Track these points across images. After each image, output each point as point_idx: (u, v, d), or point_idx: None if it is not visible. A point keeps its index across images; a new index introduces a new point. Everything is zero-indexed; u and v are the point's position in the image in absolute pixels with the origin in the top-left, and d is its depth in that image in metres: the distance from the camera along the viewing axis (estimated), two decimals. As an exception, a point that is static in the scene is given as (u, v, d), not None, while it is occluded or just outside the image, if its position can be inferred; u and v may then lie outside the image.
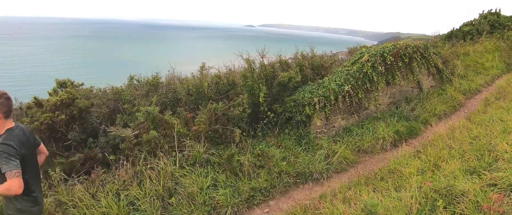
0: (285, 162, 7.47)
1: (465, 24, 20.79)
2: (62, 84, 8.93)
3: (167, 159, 6.90)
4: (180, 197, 6.21)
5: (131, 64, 57.98)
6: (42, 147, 4.27)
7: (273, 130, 8.71)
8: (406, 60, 10.76)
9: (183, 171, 6.80)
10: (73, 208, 5.84)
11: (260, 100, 8.51)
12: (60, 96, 7.73)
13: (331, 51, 14.08)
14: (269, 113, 8.59)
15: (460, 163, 5.92)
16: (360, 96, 9.57)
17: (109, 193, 6.08)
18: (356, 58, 10.39)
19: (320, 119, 8.91)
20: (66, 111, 7.67)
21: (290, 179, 7.24)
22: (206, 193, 6.35)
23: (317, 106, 8.64)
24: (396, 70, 10.58)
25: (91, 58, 78.16)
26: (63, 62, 69.69)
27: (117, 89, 8.88)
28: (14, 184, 3.41)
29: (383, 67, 10.09)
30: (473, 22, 20.56)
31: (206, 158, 7.23)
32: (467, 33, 19.51)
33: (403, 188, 5.48)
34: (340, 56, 13.94)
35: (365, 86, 9.81)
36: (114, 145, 7.30)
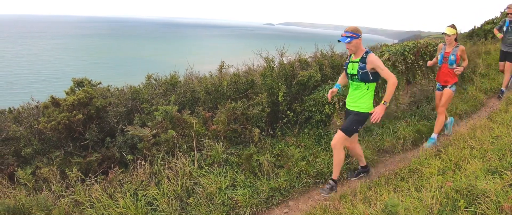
0: (304, 162, 7.45)
1: (487, 23, 20.49)
2: (79, 83, 9.01)
3: (186, 158, 6.91)
4: (198, 197, 6.22)
5: (148, 63, 58.41)
6: None
7: (293, 129, 8.69)
8: (427, 59, 10.64)
9: (202, 171, 6.82)
10: (91, 208, 5.88)
11: (280, 99, 8.49)
12: (77, 95, 7.77)
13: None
14: (288, 112, 8.57)
15: (482, 163, 5.85)
16: (380, 95, 9.49)
17: (127, 193, 6.11)
18: (376, 57, 10.33)
19: (340, 118, 8.87)
20: (83, 110, 7.71)
21: (310, 179, 7.21)
22: (224, 193, 6.35)
23: (337, 105, 8.60)
24: (417, 69, 10.48)
25: (108, 57, 78.90)
26: (80, 61, 70.49)
27: (134, 89, 8.92)
28: None
29: (403, 66, 9.99)
30: (495, 21, 20.26)
31: (224, 157, 7.23)
32: (489, 31, 19.24)
33: (423, 188, 5.43)
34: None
35: (385, 86, 9.74)
36: (132, 145, 7.34)
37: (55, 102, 7.77)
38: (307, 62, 10.08)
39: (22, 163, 7.29)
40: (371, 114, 6.24)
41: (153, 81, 9.68)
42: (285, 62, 9.55)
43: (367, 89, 6.28)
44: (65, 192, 6.20)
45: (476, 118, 10.28)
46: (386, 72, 5.92)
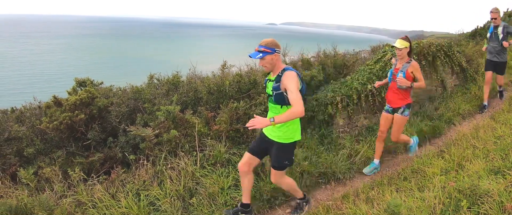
0: (307, 162, 7.43)
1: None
2: (81, 83, 9.02)
3: (188, 158, 6.91)
4: (201, 197, 6.22)
5: (150, 63, 58.40)
6: None
7: (295, 129, 8.69)
8: (429, 59, 10.63)
9: (204, 171, 6.81)
10: (93, 208, 5.88)
11: (282, 99, 8.49)
12: (79, 95, 7.79)
13: (353, 50, 14.00)
14: (291, 112, 8.56)
15: (484, 163, 5.84)
16: (383, 95, 9.47)
17: (129, 193, 6.11)
18: (379, 57, 10.30)
19: (343, 118, 8.87)
20: (85, 110, 7.72)
21: (313, 179, 7.22)
22: (227, 193, 6.35)
23: (339, 105, 8.59)
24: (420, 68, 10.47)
25: (110, 56, 78.94)
26: (82, 61, 70.56)
27: (137, 88, 8.92)
28: None
29: (406, 66, 9.98)
30: (497, 21, 20.22)
31: (227, 157, 7.23)
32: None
33: (426, 188, 5.43)
34: (362, 55, 13.84)
35: (389, 85, 9.73)
36: (134, 145, 7.34)
37: (57, 102, 7.78)
38: (309, 62, 10.10)
39: (24, 163, 7.30)
40: (296, 143, 5.48)
41: (155, 81, 9.68)
42: (288, 62, 9.56)
43: None
44: (67, 192, 6.21)
45: (479, 118, 10.26)
46: (294, 97, 4.80)
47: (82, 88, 8.65)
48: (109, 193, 6.13)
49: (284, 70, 5.09)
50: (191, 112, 7.82)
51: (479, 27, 20.34)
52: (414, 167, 6.96)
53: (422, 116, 10.20)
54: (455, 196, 4.55)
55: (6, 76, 53.43)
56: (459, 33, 21.29)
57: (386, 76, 9.54)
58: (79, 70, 51.06)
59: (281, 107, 5.17)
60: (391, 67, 9.63)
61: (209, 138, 7.54)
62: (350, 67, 10.61)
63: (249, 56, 5.14)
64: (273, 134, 5.36)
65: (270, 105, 5.36)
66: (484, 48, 11.33)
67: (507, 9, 21.20)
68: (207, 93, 8.70)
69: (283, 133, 5.27)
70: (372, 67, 9.88)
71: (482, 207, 4.24)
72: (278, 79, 5.08)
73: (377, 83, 8.05)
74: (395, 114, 7.38)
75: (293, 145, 5.41)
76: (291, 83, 4.90)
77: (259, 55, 5.01)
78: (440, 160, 6.84)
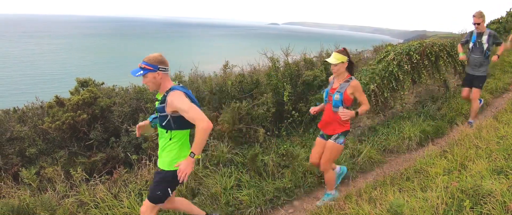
0: (309, 162, 7.43)
1: (492, 22, 20.37)
2: (83, 83, 9.04)
3: (191, 158, 6.91)
4: (203, 197, 6.22)
5: (152, 63, 58.44)
6: None
7: (298, 129, 8.69)
8: (432, 58, 10.60)
9: (207, 171, 6.81)
10: (95, 208, 5.88)
11: (285, 99, 8.49)
12: (81, 95, 7.81)
13: (356, 50, 14.00)
14: (293, 112, 8.56)
15: (487, 163, 5.82)
16: (385, 95, 9.47)
17: (132, 193, 6.11)
18: (382, 57, 10.28)
19: (345, 118, 8.86)
20: (88, 110, 7.74)
21: (315, 179, 7.20)
22: (229, 193, 6.34)
23: (342, 105, 8.58)
24: (423, 68, 10.43)
25: (112, 56, 79.02)
26: (84, 60, 70.60)
27: (139, 88, 8.93)
28: None
29: (409, 65, 9.95)
30: (500, 20, 20.15)
31: (229, 157, 7.23)
32: (495, 31, 19.16)
33: (429, 188, 5.40)
34: (365, 55, 13.84)
35: (391, 85, 9.70)
36: (137, 145, 7.35)
37: (59, 102, 7.80)
38: (312, 62, 10.08)
39: (27, 163, 7.31)
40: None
41: (158, 81, 9.68)
42: (290, 62, 9.55)
43: (170, 139, 4.61)
44: (70, 192, 6.21)
45: (481, 118, 10.23)
46: (191, 115, 4.23)
47: (85, 88, 8.66)
48: (112, 193, 6.13)
49: (171, 89, 4.47)
50: (194, 111, 7.82)
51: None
52: (417, 167, 6.94)
53: (425, 116, 10.17)
54: (457, 196, 4.54)
55: (8, 76, 53.52)
56: (462, 33, 21.26)
57: (386, 76, 9.53)
58: (81, 70, 51.17)
59: (167, 132, 4.59)
60: (390, 68, 9.63)
61: (212, 137, 7.55)
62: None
63: (130, 73, 4.54)
64: (160, 159, 4.74)
65: (158, 129, 4.73)
66: (461, 58, 9.69)
67: (510, 8, 21.13)
68: (209, 93, 8.71)
69: (165, 157, 4.66)
70: (375, 67, 9.86)
71: (485, 207, 4.22)
72: (163, 99, 4.45)
73: (312, 110, 6.35)
74: (329, 140, 6.04)
75: (172, 173, 4.55)
76: (181, 103, 4.30)
77: (139, 73, 4.43)
78: (443, 160, 6.81)
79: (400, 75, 9.76)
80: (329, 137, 6.04)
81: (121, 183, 6.38)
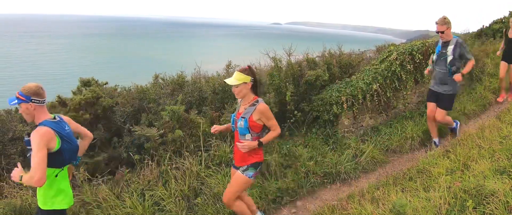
0: (312, 162, 7.43)
1: (495, 22, 20.33)
2: (86, 83, 9.02)
3: (193, 158, 6.91)
4: (205, 197, 6.23)
5: (155, 63, 58.50)
6: None
7: (300, 129, 8.68)
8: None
9: (209, 171, 6.81)
10: (98, 208, 5.89)
11: (287, 99, 8.48)
12: (84, 95, 7.80)
13: (359, 50, 13.98)
14: (296, 112, 8.54)
15: (490, 163, 5.82)
16: (388, 95, 9.46)
17: (134, 193, 6.13)
18: (384, 57, 10.27)
19: (348, 118, 8.85)
20: (90, 110, 7.74)
21: (318, 179, 7.20)
22: (232, 193, 6.34)
23: (344, 105, 8.57)
24: (425, 68, 10.44)
25: (114, 56, 79.09)
26: (86, 60, 70.66)
27: (141, 88, 8.92)
28: None
29: (412, 65, 9.94)
30: (503, 20, 20.11)
31: (232, 157, 7.23)
32: (497, 31, 19.05)
33: (432, 188, 5.41)
34: (368, 55, 13.81)
35: (394, 85, 9.69)
36: (139, 145, 7.34)
37: (62, 102, 7.80)
38: (314, 62, 10.06)
39: (29, 163, 7.30)
40: (59, 212, 4.37)
41: (160, 81, 9.70)
42: (292, 62, 9.54)
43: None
44: (72, 192, 6.21)
45: (484, 118, 10.22)
46: (33, 162, 3.94)
47: (87, 88, 8.65)
48: (114, 193, 6.14)
49: (37, 125, 4.09)
50: (196, 111, 7.82)
51: (484, 27, 20.28)
52: (420, 167, 6.93)
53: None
54: (460, 196, 4.54)
55: (10, 76, 53.51)
56: (465, 33, 21.24)
57: (388, 76, 9.52)
58: (83, 70, 51.14)
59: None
60: (392, 68, 9.62)
61: (214, 137, 7.54)
62: (356, 67, 10.59)
63: (7, 101, 4.19)
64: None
65: None
66: (426, 71, 8.68)
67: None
68: (212, 93, 8.71)
69: (40, 196, 4.33)
70: (377, 67, 9.85)
71: (488, 207, 4.22)
72: (29, 133, 4.09)
73: (214, 128, 5.34)
74: (237, 171, 5.12)
75: (53, 213, 4.28)
76: (33, 144, 3.95)
77: (14, 102, 4.08)
78: (446, 160, 6.80)
79: (402, 75, 9.75)
80: (237, 168, 5.14)
81: (123, 183, 6.38)
